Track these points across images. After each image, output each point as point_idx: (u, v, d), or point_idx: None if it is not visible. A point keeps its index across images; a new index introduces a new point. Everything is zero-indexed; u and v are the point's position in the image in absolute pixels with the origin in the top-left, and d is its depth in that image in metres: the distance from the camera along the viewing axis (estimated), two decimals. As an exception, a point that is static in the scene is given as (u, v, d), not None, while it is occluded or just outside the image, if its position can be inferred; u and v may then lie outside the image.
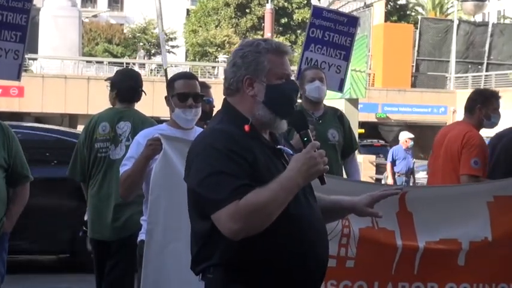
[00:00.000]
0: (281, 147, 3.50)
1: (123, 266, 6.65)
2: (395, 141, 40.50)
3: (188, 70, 39.10)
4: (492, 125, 6.73)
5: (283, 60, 3.49)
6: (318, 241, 3.48)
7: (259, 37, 54.01)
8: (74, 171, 6.98)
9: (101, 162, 6.77)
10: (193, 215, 3.45)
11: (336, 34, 8.14)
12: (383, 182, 23.89)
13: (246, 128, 3.41)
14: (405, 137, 19.87)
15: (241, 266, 3.35)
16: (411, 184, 18.84)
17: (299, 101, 6.77)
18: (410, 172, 19.40)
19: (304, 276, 3.42)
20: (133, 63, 39.93)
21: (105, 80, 7.09)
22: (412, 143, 19.46)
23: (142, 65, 42.54)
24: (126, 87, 6.81)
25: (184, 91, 5.35)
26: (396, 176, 19.20)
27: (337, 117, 7.19)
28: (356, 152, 7.54)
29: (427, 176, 21.93)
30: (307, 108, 6.92)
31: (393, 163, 19.25)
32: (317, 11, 8.39)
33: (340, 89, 8.24)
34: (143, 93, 6.89)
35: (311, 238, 3.43)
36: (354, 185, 5.62)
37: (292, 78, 3.61)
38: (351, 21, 8.31)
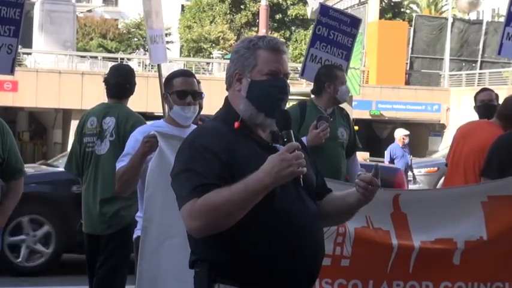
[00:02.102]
0: (276, 145, 3.47)
1: (112, 262, 6.68)
2: (389, 138, 40.56)
3: (183, 66, 39.07)
4: None
5: (275, 57, 3.49)
6: (307, 239, 3.43)
7: (254, 33, 53.99)
8: (69, 165, 7.06)
9: (88, 156, 6.87)
10: None
11: (340, 34, 8.17)
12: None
13: (236, 124, 3.43)
14: (401, 134, 19.73)
15: (224, 261, 3.35)
16: (411, 180, 18.79)
17: (304, 98, 6.82)
18: (408, 169, 19.32)
19: (289, 273, 3.39)
20: (128, 59, 39.85)
21: (103, 76, 7.17)
22: (408, 139, 19.30)
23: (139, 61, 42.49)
24: (113, 83, 6.91)
25: (183, 89, 5.38)
26: None
27: (344, 116, 7.28)
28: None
29: (419, 173, 21.88)
30: (322, 106, 7.00)
31: (391, 162, 19.07)
32: (324, 9, 8.42)
33: None
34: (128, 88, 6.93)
35: (299, 235, 3.40)
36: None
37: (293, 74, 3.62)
38: (354, 22, 8.34)
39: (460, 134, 7.24)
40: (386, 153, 19.69)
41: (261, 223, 3.30)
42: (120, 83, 6.88)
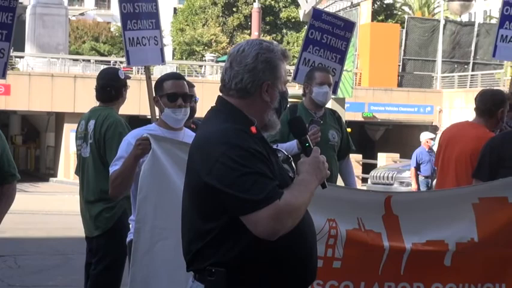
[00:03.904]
0: (276, 148, 3.56)
1: (103, 264, 6.78)
2: (382, 140, 40.63)
3: (175, 69, 39.07)
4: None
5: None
6: (311, 243, 3.54)
7: (247, 36, 53.73)
8: (77, 167, 7.19)
9: (79, 159, 7.11)
10: (199, 215, 3.41)
11: (333, 37, 8.20)
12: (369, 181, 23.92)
13: (253, 129, 3.41)
14: (426, 137, 19.18)
15: (243, 266, 3.35)
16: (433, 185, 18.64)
17: (296, 100, 6.83)
18: (435, 174, 19.10)
19: (300, 276, 3.46)
20: (121, 62, 39.85)
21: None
22: (434, 142, 18.44)
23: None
24: (97, 86, 7.04)
25: (173, 91, 5.40)
26: (421, 179, 18.81)
27: (336, 119, 7.29)
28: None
29: (410, 175, 21.90)
30: (310, 108, 7.00)
31: (417, 167, 18.79)
32: (317, 13, 8.45)
33: (335, 91, 8.30)
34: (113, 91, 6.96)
35: (310, 240, 3.51)
36: (349, 192, 5.68)
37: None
38: (348, 26, 8.36)
39: (446, 138, 7.23)
40: (413, 158, 19.18)
41: None
42: (102, 86, 6.99)
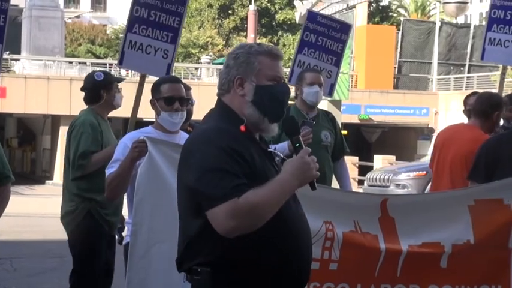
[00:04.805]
0: (272, 150, 3.57)
1: (73, 265, 6.91)
2: (378, 142, 40.64)
3: (171, 71, 38.97)
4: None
5: (275, 63, 3.58)
6: (304, 244, 3.54)
7: (243, 38, 53.77)
8: None
9: None
10: (185, 213, 3.48)
11: (329, 40, 8.20)
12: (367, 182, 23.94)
13: (242, 128, 3.47)
14: None
15: (228, 265, 3.38)
16: None
17: (290, 102, 6.83)
18: None
19: (290, 277, 3.47)
20: (117, 64, 39.82)
21: None
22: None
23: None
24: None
25: (170, 95, 5.40)
26: None
27: (329, 120, 7.28)
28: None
29: (408, 177, 21.91)
30: (302, 109, 7.00)
31: None
32: (312, 16, 8.46)
33: (330, 94, 8.32)
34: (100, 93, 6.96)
35: (299, 240, 3.50)
36: (345, 194, 5.68)
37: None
38: (344, 28, 8.37)
39: (441, 139, 7.23)
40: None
41: (269, 228, 3.34)
42: (81, 89, 7.07)
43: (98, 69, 31.50)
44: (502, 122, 7.07)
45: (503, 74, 8.91)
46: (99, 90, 6.94)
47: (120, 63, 7.44)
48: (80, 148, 6.63)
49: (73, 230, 6.79)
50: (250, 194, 3.24)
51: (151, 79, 6.59)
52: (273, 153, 3.52)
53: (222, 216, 3.25)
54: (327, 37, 8.22)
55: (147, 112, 6.71)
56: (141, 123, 6.34)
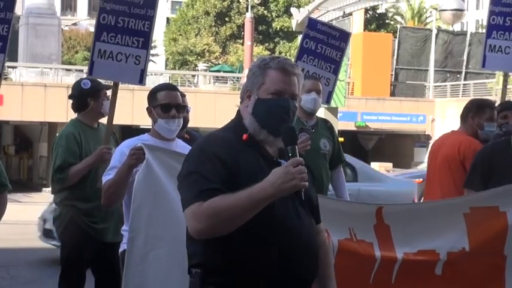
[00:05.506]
0: (281, 161, 3.56)
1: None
2: (374, 149, 40.66)
3: (168, 79, 39.04)
4: (487, 134, 6.89)
5: (284, 78, 3.62)
6: (297, 253, 3.52)
7: (239, 45, 53.75)
8: None
9: None
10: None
11: (328, 47, 8.25)
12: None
13: (244, 137, 3.58)
14: None
15: (218, 267, 3.44)
16: None
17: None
18: None
19: (289, 277, 3.49)
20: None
21: None
22: None
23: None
24: None
25: (167, 102, 5.44)
26: None
27: (328, 128, 7.32)
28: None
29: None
30: (301, 117, 7.03)
31: None
32: (312, 23, 8.50)
33: (328, 101, 8.35)
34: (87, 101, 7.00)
35: (290, 248, 3.50)
36: (340, 203, 5.70)
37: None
38: (343, 36, 8.41)
39: (433, 148, 7.37)
40: None
41: (257, 231, 3.40)
42: (68, 97, 7.15)
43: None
44: (496, 129, 7.10)
45: (505, 81, 8.90)
46: (86, 98, 6.94)
47: (90, 73, 7.24)
48: (57, 162, 6.67)
49: (62, 233, 6.91)
50: (217, 199, 3.34)
51: (147, 87, 6.59)
52: (282, 163, 3.49)
53: (188, 217, 3.41)
54: (326, 45, 8.26)
55: (143, 119, 6.72)
56: (137, 131, 6.36)
